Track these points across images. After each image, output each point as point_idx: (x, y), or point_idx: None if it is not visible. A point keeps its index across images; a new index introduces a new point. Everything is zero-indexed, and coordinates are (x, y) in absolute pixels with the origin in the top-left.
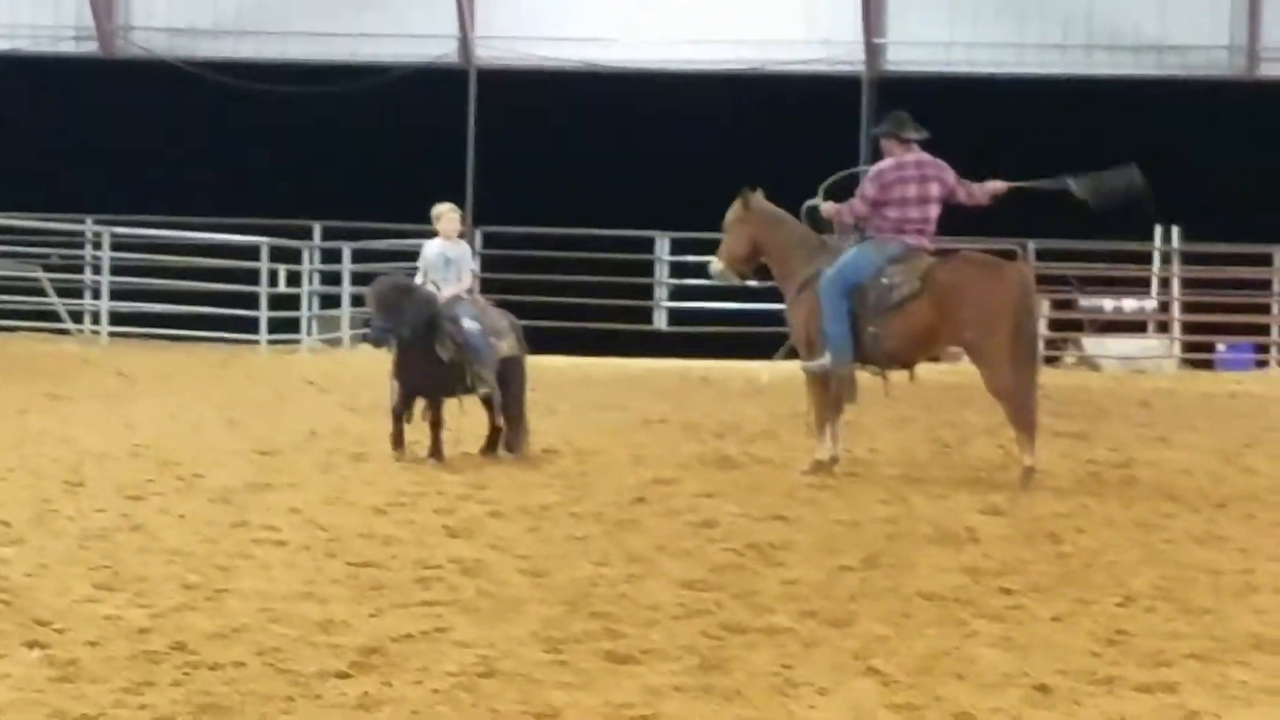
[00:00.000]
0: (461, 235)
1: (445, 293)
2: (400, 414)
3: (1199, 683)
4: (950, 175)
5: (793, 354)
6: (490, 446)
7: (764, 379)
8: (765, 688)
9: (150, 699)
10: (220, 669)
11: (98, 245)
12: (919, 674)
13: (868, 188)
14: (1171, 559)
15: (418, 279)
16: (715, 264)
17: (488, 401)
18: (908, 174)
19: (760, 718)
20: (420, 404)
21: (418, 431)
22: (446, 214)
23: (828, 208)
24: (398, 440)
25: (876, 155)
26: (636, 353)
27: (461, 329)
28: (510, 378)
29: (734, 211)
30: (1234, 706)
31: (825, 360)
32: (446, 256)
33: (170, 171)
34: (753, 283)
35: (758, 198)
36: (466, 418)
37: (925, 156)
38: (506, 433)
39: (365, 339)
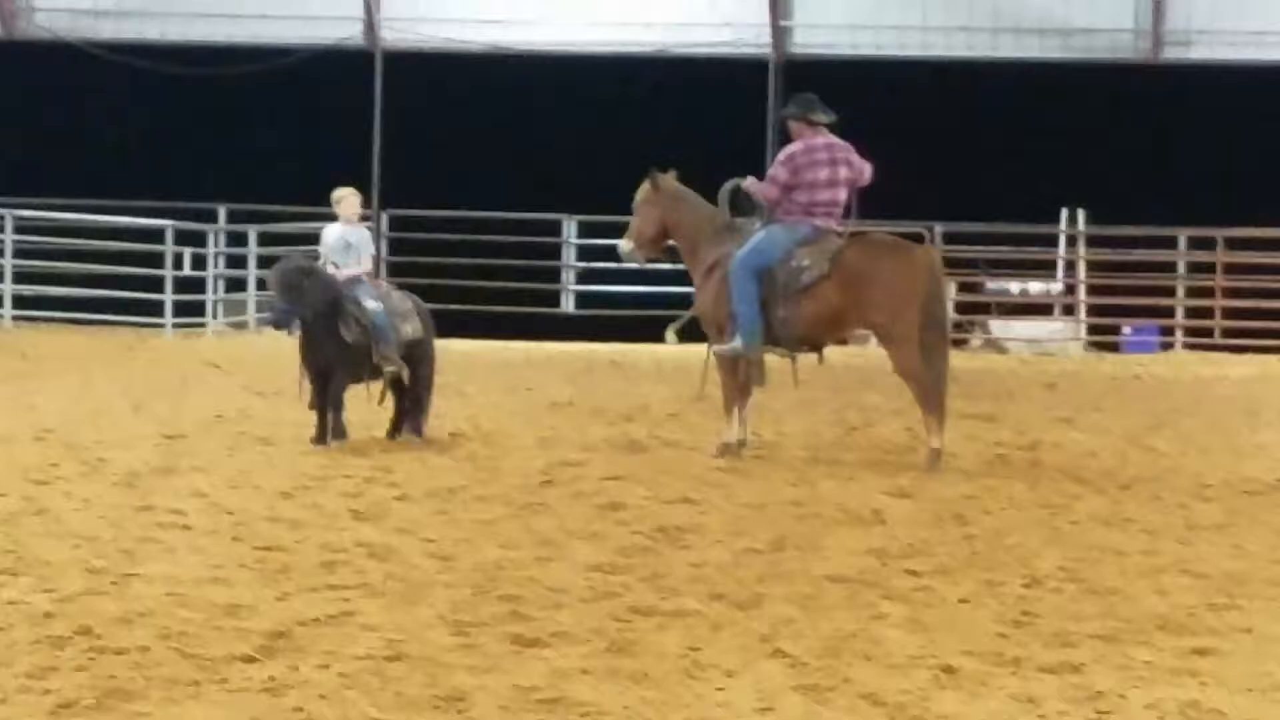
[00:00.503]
0: (363, 219)
1: (342, 272)
2: (324, 407)
3: (1104, 663)
4: (856, 158)
5: (686, 334)
6: (395, 430)
7: (671, 339)
8: (672, 670)
9: (54, 684)
10: (125, 653)
11: (0, 228)
12: (826, 656)
13: (779, 171)
14: (1077, 540)
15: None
16: (624, 244)
17: (394, 384)
18: (818, 157)
19: (667, 700)
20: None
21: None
22: (347, 197)
23: (750, 184)
24: (321, 435)
25: (784, 138)
26: (544, 336)
27: (364, 310)
28: (417, 360)
29: (643, 192)
30: (1139, 686)
31: (736, 344)
32: (347, 240)
33: (74, 154)
34: (664, 265)
35: (667, 178)
36: (373, 401)
37: (834, 139)
38: (412, 416)
39: (268, 322)
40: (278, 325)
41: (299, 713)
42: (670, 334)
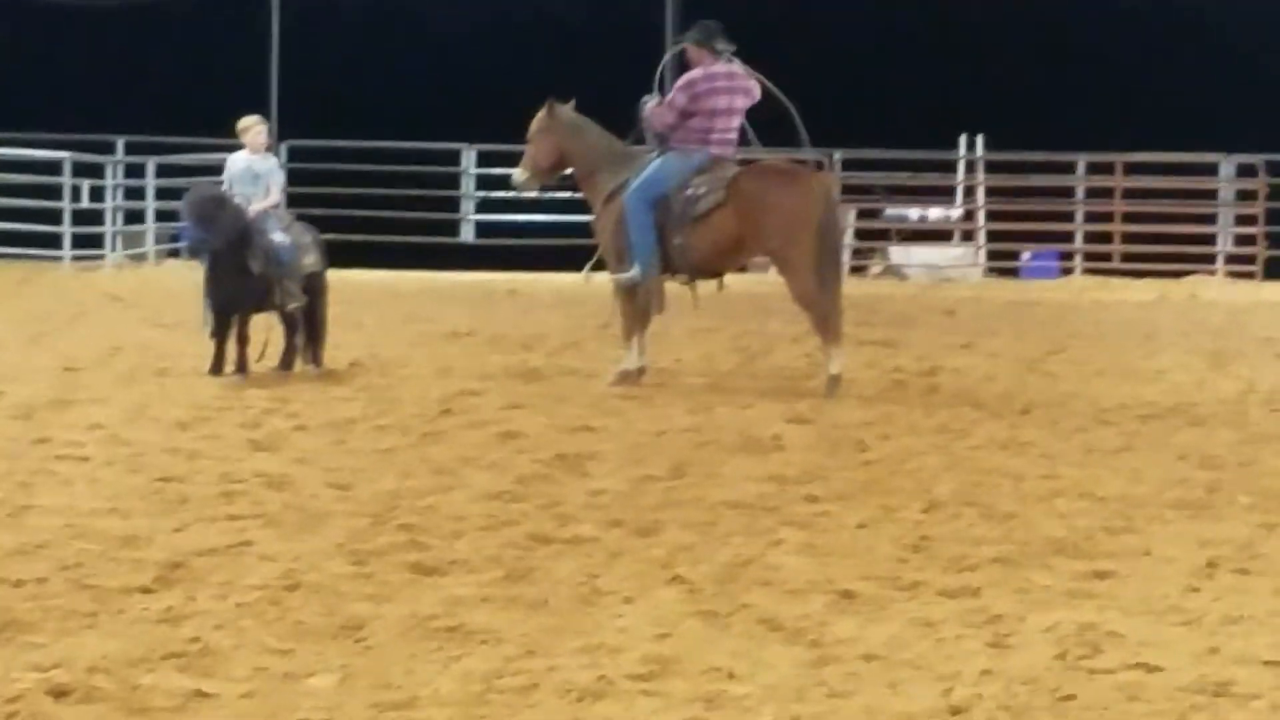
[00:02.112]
0: (267, 148)
1: (254, 207)
2: (222, 338)
3: (1001, 587)
4: (756, 88)
5: (600, 265)
6: (287, 362)
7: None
8: (571, 597)
9: None
10: (22, 585)
11: None
12: (724, 582)
13: (678, 97)
14: (975, 465)
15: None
16: (517, 174)
17: (287, 317)
18: (718, 85)
19: (566, 627)
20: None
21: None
22: (253, 126)
23: (648, 111)
24: (218, 366)
25: (683, 67)
26: (443, 266)
27: (271, 242)
28: (315, 292)
29: (538, 121)
30: (1036, 609)
31: (634, 272)
32: (254, 170)
33: None
34: (563, 194)
35: (563, 107)
36: (274, 331)
37: (735, 68)
38: (310, 348)
39: (180, 250)
40: (192, 253)
41: (196, 643)
42: (585, 275)
